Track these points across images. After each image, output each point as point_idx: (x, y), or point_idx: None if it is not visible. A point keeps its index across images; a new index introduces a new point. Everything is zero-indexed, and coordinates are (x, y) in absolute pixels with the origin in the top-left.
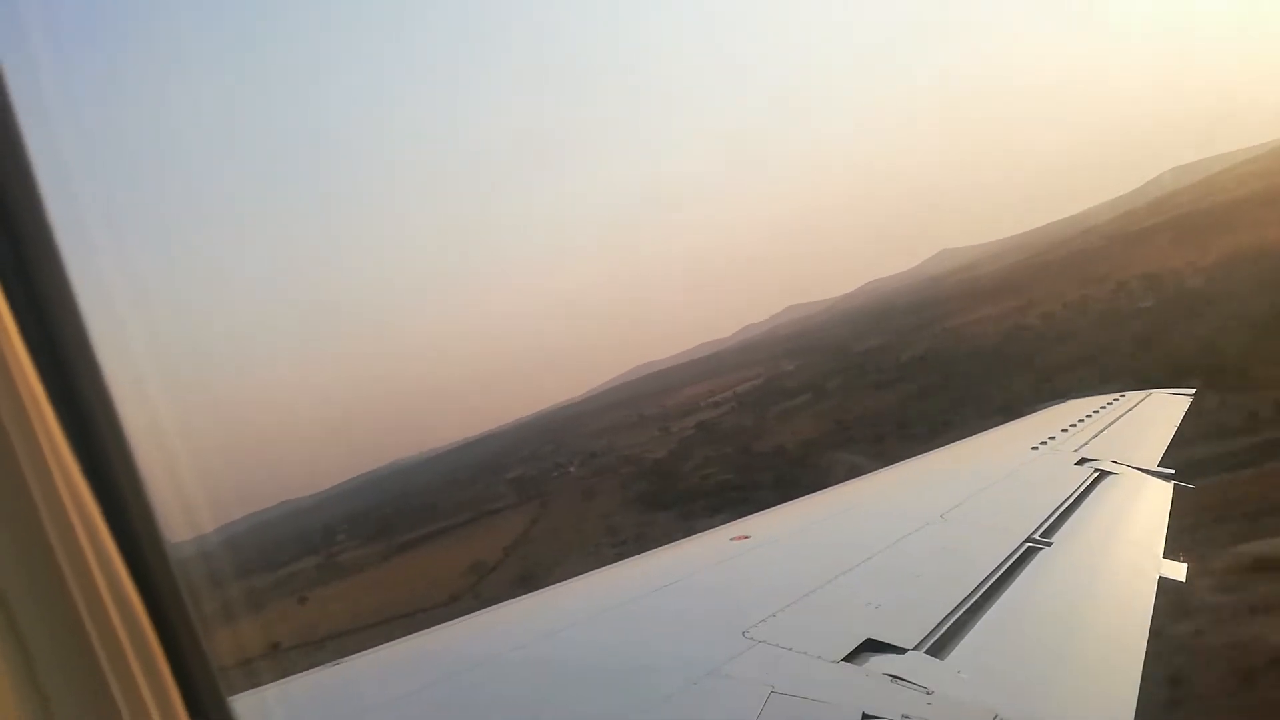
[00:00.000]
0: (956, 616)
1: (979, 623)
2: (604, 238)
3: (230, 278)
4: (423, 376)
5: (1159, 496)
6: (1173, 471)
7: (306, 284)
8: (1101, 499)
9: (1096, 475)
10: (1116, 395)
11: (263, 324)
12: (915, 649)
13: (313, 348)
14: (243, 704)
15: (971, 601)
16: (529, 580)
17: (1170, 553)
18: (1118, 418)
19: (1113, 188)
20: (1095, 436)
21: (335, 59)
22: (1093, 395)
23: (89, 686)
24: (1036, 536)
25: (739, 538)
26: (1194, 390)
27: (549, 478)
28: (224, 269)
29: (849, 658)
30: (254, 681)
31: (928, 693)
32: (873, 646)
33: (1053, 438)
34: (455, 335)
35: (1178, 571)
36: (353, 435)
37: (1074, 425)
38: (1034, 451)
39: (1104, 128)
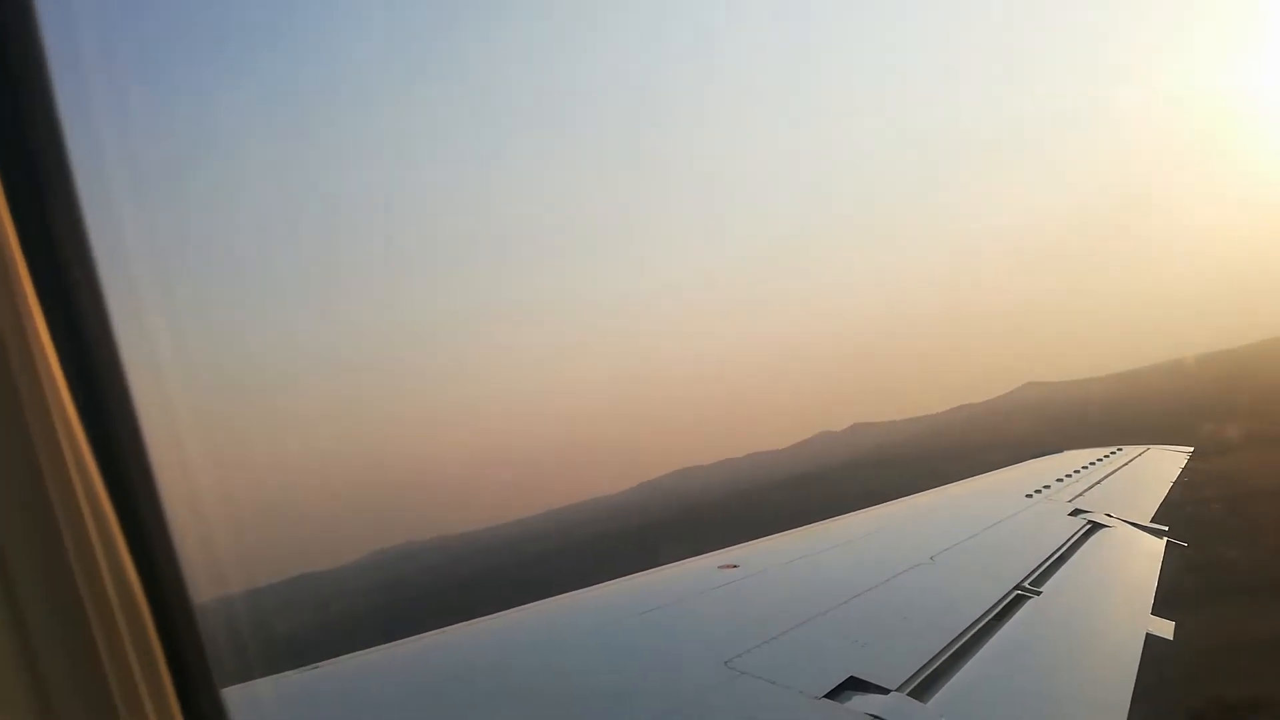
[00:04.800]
0: (941, 660)
1: (964, 668)
2: (657, 333)
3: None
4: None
5: (1151, 552)
6: (1166, 528)
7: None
8: (1093, 551)
9: (1089, 527)
10: (1113, 449)
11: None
12: (898, 690)
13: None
14: (236, 698)
15: (957, 646)
16: None
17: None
18: (1113, 471)
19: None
20: (1090, 488)
21: (375, 125)
22: (1090, 448)
23: (85, 670)
24: (1026, 585)
25: (727, 566)
26: (1191, 448)
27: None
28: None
29: (831, 695)
30: (248, 676)
31: None
32: (855, 685)
33: (1048, 486)
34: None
35: (1165, 629)
36: (372, 510)
37: (1069, 476)
38: (1028, 499)
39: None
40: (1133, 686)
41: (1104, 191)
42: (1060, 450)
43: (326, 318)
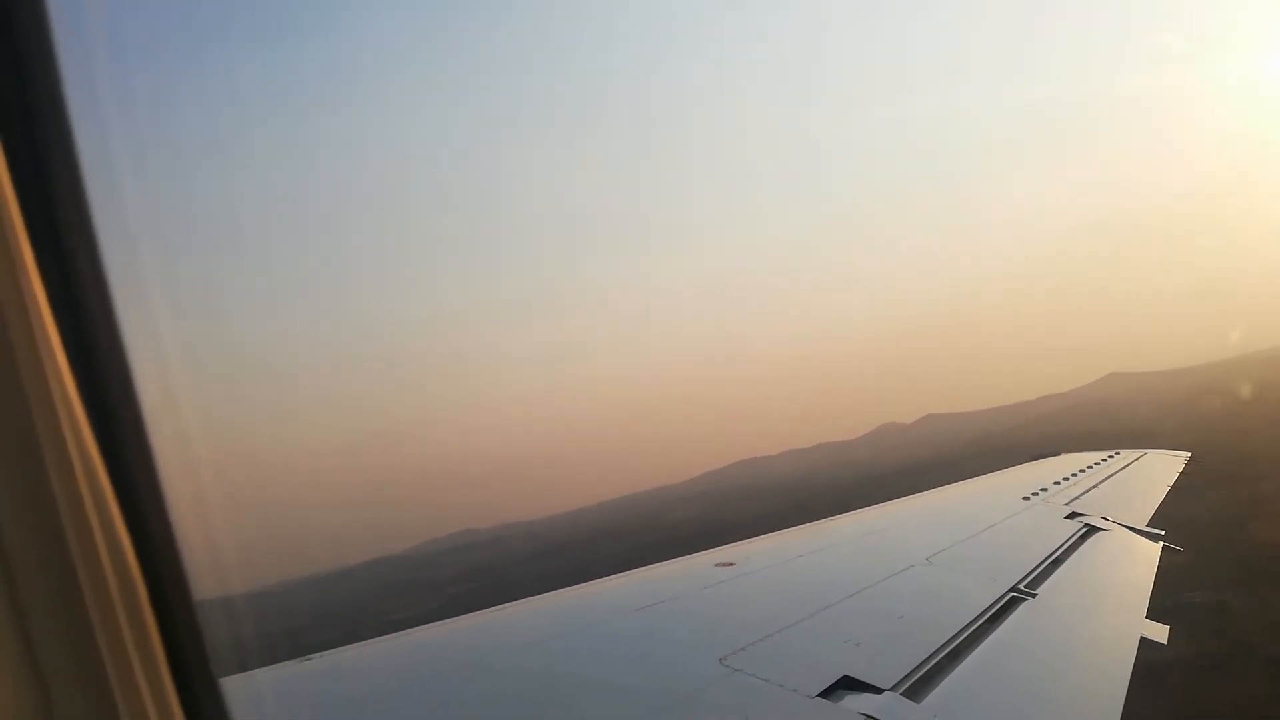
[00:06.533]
0: (936, 661)
1: (958, 669)
2: (727, 320)
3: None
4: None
5: (1146, 556)
6: (1162, 532)
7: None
8: (1089, 554)
9: (1086, 530)
10: (1111, 452)
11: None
12: (892, 690)
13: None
14: (233, 688)
15: (952, 647)
16: None
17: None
18: (1111, 474)
19: None
20: (1087, 491)
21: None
22: (1088, 451)
23: (83, 662)
24: (1022, 587)
25: (724, 564)
26: (1189, 454)
27: None
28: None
29: (825, 694)
30: (245, 666)
31: None
32: (849, 684)
33: (1045, 489)
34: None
35: (1160, 633)
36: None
37: (1067, 479)
38: (1025, 501)
39: None
40: (1126, 689)
41: (1199, 177)
42: (1058, 453)
43: (391, 302)
